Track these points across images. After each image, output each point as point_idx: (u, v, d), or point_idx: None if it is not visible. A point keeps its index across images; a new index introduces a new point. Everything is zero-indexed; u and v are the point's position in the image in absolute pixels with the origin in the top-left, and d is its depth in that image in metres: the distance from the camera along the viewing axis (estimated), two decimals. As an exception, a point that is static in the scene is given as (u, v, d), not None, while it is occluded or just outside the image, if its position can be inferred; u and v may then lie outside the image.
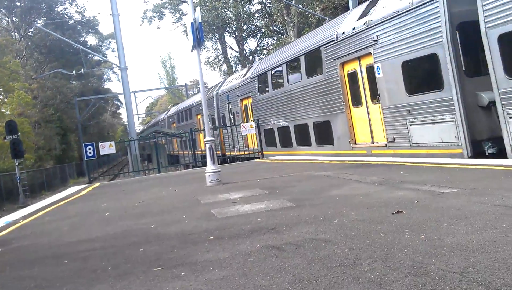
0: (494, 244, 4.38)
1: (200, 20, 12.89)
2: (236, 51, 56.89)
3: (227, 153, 29.17)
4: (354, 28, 15.10)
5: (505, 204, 5.94)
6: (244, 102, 25.87)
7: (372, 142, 15.23)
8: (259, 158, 22.88)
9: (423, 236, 4.93)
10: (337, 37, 16.09)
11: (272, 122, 22.12)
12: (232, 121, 27.48)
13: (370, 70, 14.68)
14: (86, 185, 20.24)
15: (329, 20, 21.57)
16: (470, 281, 3.56)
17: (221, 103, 29.60)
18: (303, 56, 18.67)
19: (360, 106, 15.65)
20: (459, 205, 6.22)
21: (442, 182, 8.21)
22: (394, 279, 3.78)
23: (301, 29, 39.13)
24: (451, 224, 5.30)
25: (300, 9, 37.33)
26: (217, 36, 55.16)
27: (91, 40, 76.71)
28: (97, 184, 19.82)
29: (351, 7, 24.34)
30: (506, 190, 6.86)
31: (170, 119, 49.67)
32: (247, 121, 24.62)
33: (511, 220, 5.16)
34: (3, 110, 41.72)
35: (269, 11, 46.63)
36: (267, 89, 22.48)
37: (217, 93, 30.49)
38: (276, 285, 4.00)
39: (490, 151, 11.30)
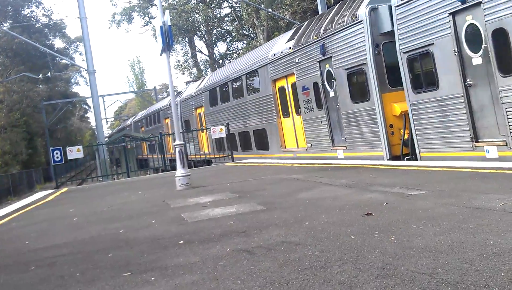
0: (462, 245, 4.44)
1: (169, 24, 12.82)
2: (206, 55, 56.81)
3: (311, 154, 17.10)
4: None
5: (472, 206, 6.03)
6: None
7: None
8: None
9: (392, 238, 4.97)
10: None
11: None
12: None
13: None
14: (54, 190, 19.92)
15: (299, 24, 21.04)
16: (439, 282, 3.59)
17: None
18: None
19: None
20: (427, 207, 6.29)
21: (410, 184, 8.30)
22: (364, 281, 3.80)
23: (271, 33, 39.27)
24: (420, 225, 5.36)
25: (269, 13, 37.44)
26: (186, 39, 55.01)
27: (59, 43, 75.56)
28: (64, 189, 19.54)
29: (320, 11, 24.40)
30: (473, 191, 6.97)
31: (191, 102, 29.45)
32: None
33: (478, 221, 5.24)
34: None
35: (239, 15, 46.70)
36: None
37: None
38: (247, 289, 3.98)
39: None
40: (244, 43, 50.79)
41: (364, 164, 12.49)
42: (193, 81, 35.84)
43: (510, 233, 4.64)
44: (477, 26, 10.30)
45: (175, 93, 28.25)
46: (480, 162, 9.88)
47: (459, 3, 10.45)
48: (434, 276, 3.72)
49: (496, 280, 3.49)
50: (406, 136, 13.12)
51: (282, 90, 19.09)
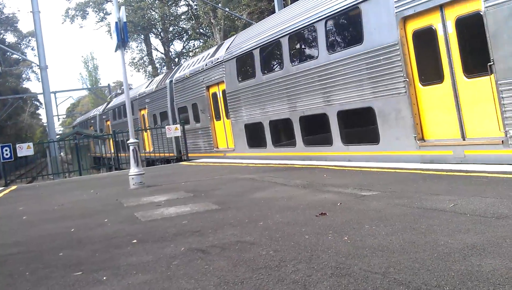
0: (413, 245, 4.51)
1: (124, 20, 12.65)
2: (162, 53, 56.44)
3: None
4: None
5: (423, 206, 6.15)
6: None
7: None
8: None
9: (345, 238, 5.02)
10: None
11: None
12: None
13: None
14: (2, 188, 19.40)
15: (255, 24, 21.14)
16: (391, 281, 3.64)
17: None
18: None
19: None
20: (379, 208, 6.38)
21: (363, 185, 8.40)
22: (318, 280, 3.83)
23: (228, 32, 39.22)
24: (373, 226, 5.43)
25: (226, 13, 37.38)
26: (142, 37, 54.52)
27: (10, 38, 73.82)
28: (13, 187, 19.05)
29: (277, 11, 24.49)
30: (424, 193, 7.10)
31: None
32: None
33: (429, 222, 5.34)
34: None
35: (196, 13, 46.46)
36: None
37: None
38: (201, 288, 3.96)
39: None
40: (200, 41, 50.60)
41: (319, 165, 12.59)
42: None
43: (460, 234, 4.75)
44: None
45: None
46: (431, 164, 10.09)
47: None
48: (387, 275, 3.77)
49: (447, 280, 3.57)
50: None
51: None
